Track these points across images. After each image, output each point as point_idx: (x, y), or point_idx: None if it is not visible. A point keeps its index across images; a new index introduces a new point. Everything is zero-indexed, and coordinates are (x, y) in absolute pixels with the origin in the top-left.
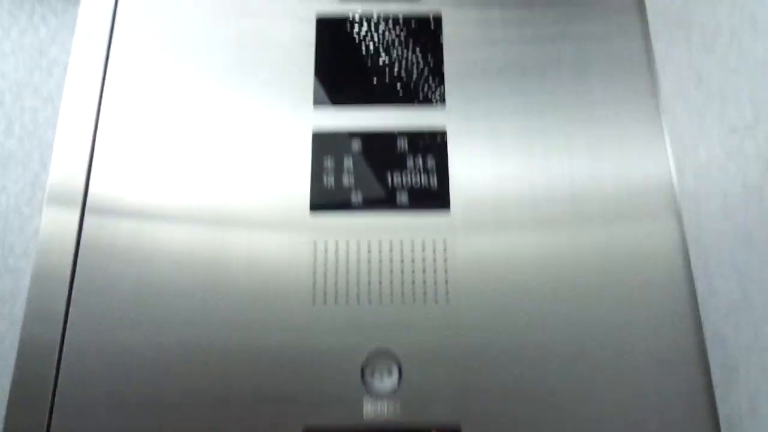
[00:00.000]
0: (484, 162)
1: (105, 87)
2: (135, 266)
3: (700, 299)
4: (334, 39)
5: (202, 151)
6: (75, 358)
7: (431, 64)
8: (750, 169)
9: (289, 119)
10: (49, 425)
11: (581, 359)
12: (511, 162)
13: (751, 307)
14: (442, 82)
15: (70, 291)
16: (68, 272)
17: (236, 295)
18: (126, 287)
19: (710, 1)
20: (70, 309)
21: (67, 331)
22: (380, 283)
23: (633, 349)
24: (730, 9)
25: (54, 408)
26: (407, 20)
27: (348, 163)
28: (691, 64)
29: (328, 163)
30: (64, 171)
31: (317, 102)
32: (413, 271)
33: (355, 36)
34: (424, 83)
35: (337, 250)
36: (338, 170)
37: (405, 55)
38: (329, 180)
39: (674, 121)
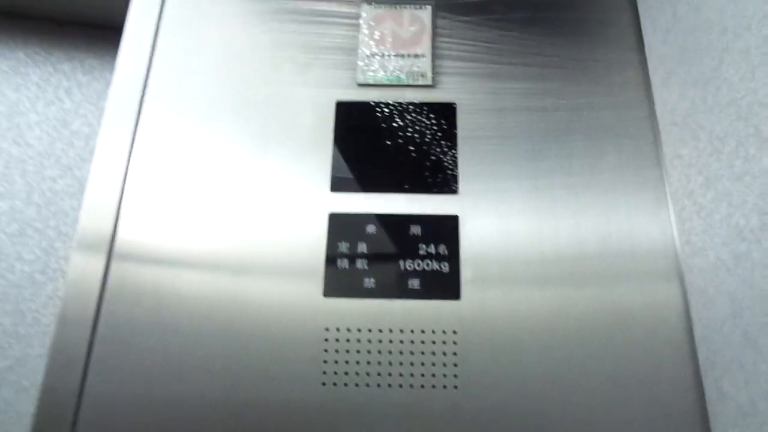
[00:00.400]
0: (494, 245)
1: (135, 144)
2: (156, 311)
3: (708, 396)
4: (351, 123)
5: (223, 209)
6: (93, 403)
7: (445, 152)
8: (756, 276)
9: (306, 199)
10: None
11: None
12: (520, 237)
13: (757, 412)
14: (455, 169)
15: (93, 334)
16: (92, 313)
17: (249, 353)
18: (146, 332)
19: (716, 109)
20: (92, 353)
21: (87, 375)
22: (390, 367)
23: (640, 420)
24: (735, 118)
25: None
26: (423, 108)
27: (362, 247)
28: (699, 165)
29: (343, 246)
30: (93, 219)
31: (334, 186)
32: (423, 355)
33: (372, 122)
34: (437, 170)
35: (348, 335)
36: (352, 255)
37: (420, 142)
38: (343, 264)
39: (682, 219)
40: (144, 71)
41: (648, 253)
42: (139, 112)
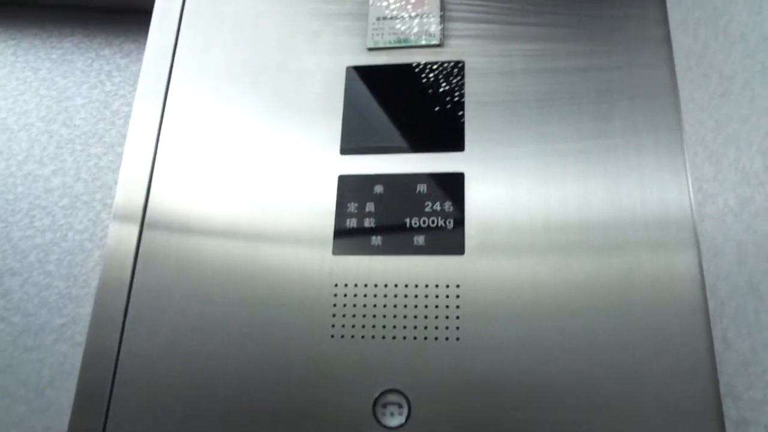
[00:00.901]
0: (500, 203)
1: (164, 119)
2: (182, 274)
3: (716, 347)
4: (361, 87)
5: (241, 176)
6: (130, 357)
7: (453, 110)
8: (759, 221)
9: (317, 162)
10: (104, 427)
11: (593, 396)
12: (526, 200)
13: (758, 360)
14: (462, 127)
15: (129, 296)
16: (128, 278)
17: (265, 311)
18: (174, 293)
19: (726, 47)
20: (128, 312)
21: (125, 332)
22: (395, 320)
23: (646, 385)
24: (743, 56)
25: (110, 411)
26: (431, 67)
27: (369, 207)
28: (710, 108)
29: (351, 207)
30: (128, 191)
31: (344, 148)
32: (426, 309)
33: (381, 85)
34: (444, 129)
35: (355, 290)
36: (360, 214)
37: (429, 102)
38: (351, 223)
39: (695, 166)
40: (170, 50)
41: (662, 219)
42: (167, 90)
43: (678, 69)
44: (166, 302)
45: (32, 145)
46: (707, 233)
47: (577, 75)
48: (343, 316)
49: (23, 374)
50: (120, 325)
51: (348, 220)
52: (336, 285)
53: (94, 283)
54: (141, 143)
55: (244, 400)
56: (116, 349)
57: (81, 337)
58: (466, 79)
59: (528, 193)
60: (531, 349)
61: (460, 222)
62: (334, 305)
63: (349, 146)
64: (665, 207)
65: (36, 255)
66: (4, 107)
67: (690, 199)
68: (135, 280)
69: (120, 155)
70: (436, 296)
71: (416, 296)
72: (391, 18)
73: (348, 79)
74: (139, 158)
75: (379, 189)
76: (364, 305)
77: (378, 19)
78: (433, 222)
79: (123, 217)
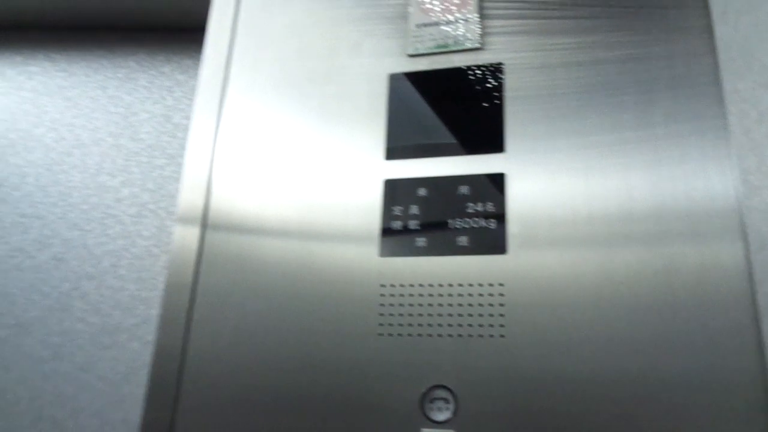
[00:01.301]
0: (541, 200)
1: (219, 128)
2: (242, 273)
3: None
4: (403, 93)
5: (292, 180)
6: (195, 354)
7: (493, 112)
8: None
9: (363, 167)
10: (172, 421)
11: (638, 391)
12: (567, 194)
13: None
14: (502, 128)
15: (193, 295)
16: (192, 278)
17: (316, 309)
18: (232, 292)
19: (766, 34)
20: (193, 312)
21: (190, 331)
22: (440, 318)
23: (692, 380)
24: None
25: (178, 403)
26: (471, 70)
27: (414, 209)
28: (753, 99)
29: (396, 209)
30: (190, 195)
31: (389, 152)
32: (471, 307)
33: (423, 90)
34: (485, 131)
35: (402, 290)
36: (405, 217)
37: (469, 105)
38: (396, 226)
39: (739, 157)
40: (224, 65)
41: (707, 210)
42: (222, 102)
43: (720, 59)
44: (228, 300)
45: (103, 159)
46: (754, 225)
47: (617, 66)
48: (390, 315)
49: (101, 370)
50: (186, 323)
51: (393, 223)
52: (383, 285)
53: (161, 286)
54: (200, 152)
55: (299, 394)
56: (183, 346)
57: (151, 336)
58: (506, 80)
59: (569, 187)
60: (576, 345)
61: (501, 222)
62: (381, 305)
63: (394, 151)
64: (710, 198)
65: (109, 260)
66: (78, 124)
67: (736, 189)
68: (199, 280)
69: (181, 165)
70: (480, 295)
71: (460, 295)
72: (430, 24)
73: (390, 86)
74: (199, 166)
75: (422, 192)
76: (410, 304)
77: (417, 26)
78: (475, 222)
79: (186, 220)
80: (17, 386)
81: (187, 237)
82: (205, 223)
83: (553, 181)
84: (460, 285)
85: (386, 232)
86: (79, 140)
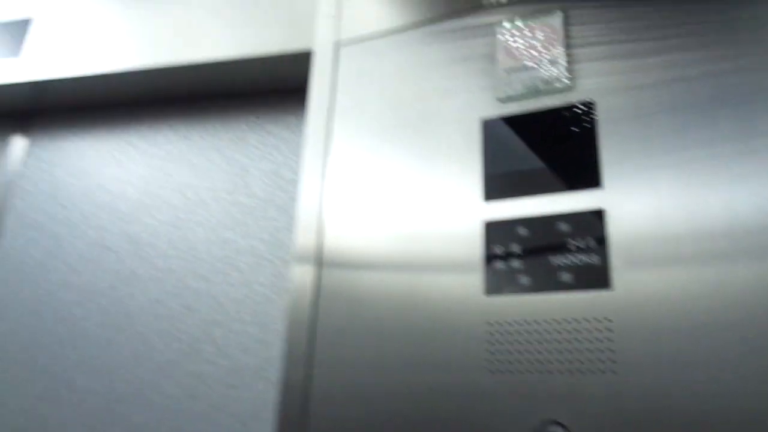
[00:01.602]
0: (643, 233)
1: (326, 175)
2: (356, 308)
3: None
4: (496, 136)
5: (397, 220)
6: (318, 388)
7: (587, 149)
8: None
9: (463, 209)
10: None
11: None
12: (670, 220)
13: None
14: (598, 163)
15: (313, 331)
16: (310, 314)
17: (426, 350)
18: (347, 327)
19: None
20: (315, 347)
21: (313, 367)
22: (549, 354)
23: None
24: None
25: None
26: (562, 111)
27: (515, 248)
28: None
29: (498, 249)
30: (304, 236)
31: (486, 194)
32: (580, 343)
33: (515, 132)
34: (580, 168)
35: (509, 327)
36: (507, 255)
37: (562, 144)
38: (499, 265)
39: None
40: (326, 121)
41: None
42: (326, 154)
43: None
44: (345, 336)
45: (222, 214)
46: None
47: (710, 80)
48: (499, 351)
49: (231, 408)
50: (308, 360)
51: (496, 262)
52: (489, 323)
53: (280, 329)
54: (310, 198)
55: (415, 428)
56: (306, 382)
57: (274, 376)
58: (598, 115)
59: (669, 211)
60: (691, 377)
61: (604, 256)
62: (490, 342)
63: (491, 192)
64: None
65: (233, 307)
66: (200, 184)
67: None
68: (317, 317)
69: (291, 217)
70: (588, 330)
71: (568, 331)
72: (518, 69)
73: (483, 130)
74: (310, 207)
75: (523, 231)
76: (518, 341)
77: (506, 71)
78: (577, 258)
79: (302, 260)
80: (159, 425)
81: (304, 275)
82: (319, 261)
83: (653, 209)
84: (567, 321)
85: (489, 270)
86: (201, 199)
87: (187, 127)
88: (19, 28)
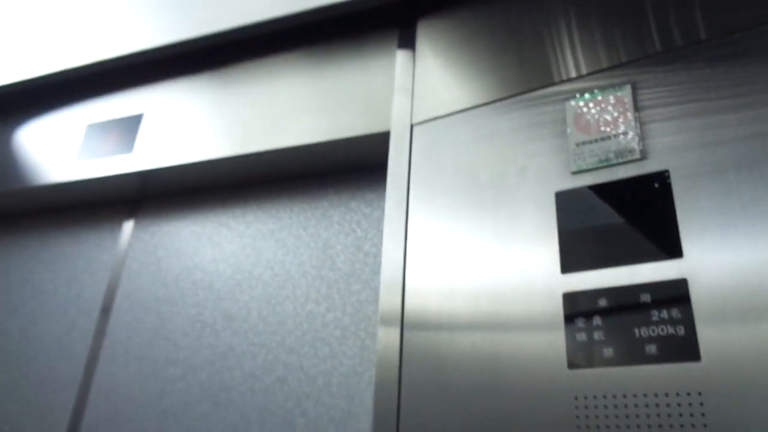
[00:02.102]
0: (729, 301)
1: (407, 246)
2: (440, 369)
3: None
4: (571, 209)
5: (476, 290)
6: None
7: (664, 218)
8: None
9: (541, 281)
10: None
11: None
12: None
13: None
14: (677, 232)
15: (399, 393)
16: (396, 376)
17: (512, 421)
18: (433, 390)
19: None
20: (401, 409)
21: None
22: (639, 429)
23: None
24: None
25: None
26: (636, 182)
27: (597, 320)
28: None
29: (579, 322)
30: (388, 301)
31: (564, 266)
32: (669, 417)
33: (590, 204)
34: (659, 238)
35: (595, 402)
36: (589, 328)
37: (639, 214)
38: (581, 337)
39: None
40: (404, 196)
41: None
42: (406, 225)
43: None
44: (431, 399)
45: (309, 289)
46: None
47: None
48: (587, 427)
49: None
50: (395, 421)
51: (578, 335)
52: (576, 398)
53: (368, 402)
54: (392, 270)
55: None
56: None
57: None
58: (673, 184)
59: (757, 275)
60: None
61: (690, 327)
62: (577, 417)
63: (569, 264)
64: None
65: (322, 380)
66: (287, 261)
67: None
68: (402, 379)
69: (374, 289)
70: (678, 404)
71: (657, 405)
72: (590, 141)
73: (558, 203)
74: (393, 275)
75: (603, 302)
76: (606, 416)
77: (577, 144)
78: (662, 330)
79: (386, 322)
80: None
81: (389, 337)
82: (403, 324)
83: (736, 272)
84: (656, 395)
85: (571, 342)
86: (289, 275)
87: (275, 206)
88: (133, 123)
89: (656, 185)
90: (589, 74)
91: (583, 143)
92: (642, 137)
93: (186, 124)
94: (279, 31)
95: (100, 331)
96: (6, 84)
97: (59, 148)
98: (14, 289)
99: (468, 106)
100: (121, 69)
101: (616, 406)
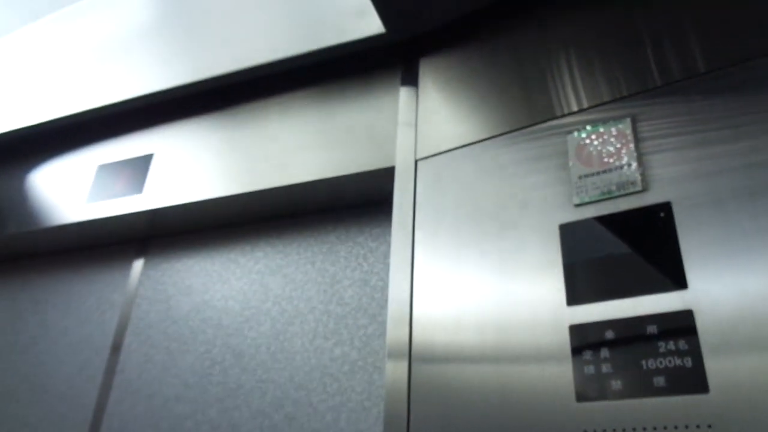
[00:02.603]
0: (737, 328)
1: (414, 281)
2: (448, 401)
3: None
4: (575, 241)
5: (481, 321)
6: None
7: (668, 249)
8: None
9: (547, 313)
10: None
11: None
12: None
13: None
14: (681, 264)
15: (408, 423)
16: (405, 406)
17: None
18: (440, 420)
19: None
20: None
21: None
22: None
23: None
24: None
25: None
26: (639, 213)
27: (604, 353)
28: None
29: (586, 354)
30: (395, 334)
31: (570, 298)
32: None
33: (594, 236)
34: (664, 270)
35: None
36: (596, 360)
37: (643, 246)
38: (589, 370)
39: None
40: (410, 231)
41: None
42: (412, 258)
43: None
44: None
45: (317, 324)
46: None
47: None
48: None
49: None
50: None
51: (586, 367)
52: (585, 431)
53: None
54: (399, 304)
55: None
56: None
57: None
58: (676, 215)
59: (761, 299)
60: None
61: (698, 359)
62: None
63: (575, 296)
64: None
65: (330, 415)
66: (295, 296)
67: None
68: (411, 413)
69: (380, 323)
70: None
71: None
72: (592, 174)
73: (562, 235)
74: (400, 309)
75: (610, 334)
76: None
77: (580, 177)
78: (669, 362)
79: (395, 356)
80: None
81: (398, 371)
82: (411, 357)
83: (741, 301)
84: (665, 428)
85: (579, 374)
86: (298, 310)
87: (283, 242)
88: (143, 163)
89: (659, 216)
90: (590, 108)
91: (586, 176)
92: (643, 169)
93: (193, 162)
94: (285, 72)
95: (110, 370)
96: (19, 128)
97: (70, 189)
98: (25, 329)
99: (471, 140)
100: (130, 111)
101: None
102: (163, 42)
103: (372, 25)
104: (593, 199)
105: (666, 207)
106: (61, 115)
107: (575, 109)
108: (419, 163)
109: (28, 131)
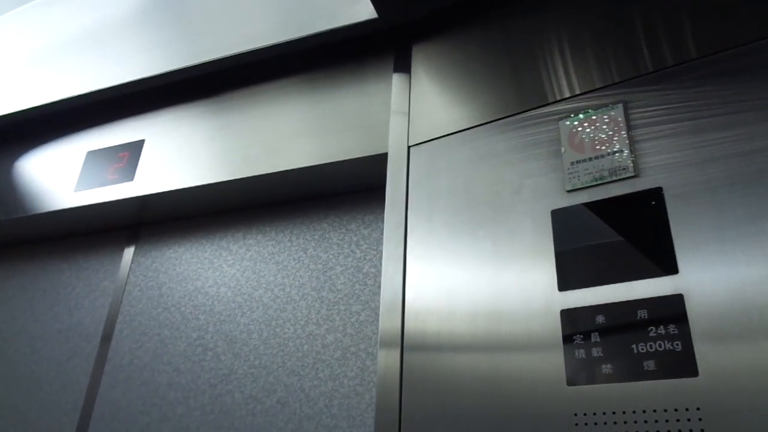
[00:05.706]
0: (727, 316)
1: (407, 268)
2: (441, 389)
3: None
4: (567, 227)
5: (474, 308)
6: None
7: (659, 234)
8: None
9: (538, 299)
10: None
11: None
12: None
13: None
14: (672, 249)
15: (400, 414)
16: (397, 398)
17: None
18: (432, 407)
19: None
20: (402, 426)
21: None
22: None
23: None
24: None
25: None
26: (631, 199)
27: (595, 337)
28: None
29: (577, 338)
30: (388, 322)
31: (561, 284)
32: None
33: (586, 222)
34: (654, 254)
35: (594, 418)
36: (587, 344)
37: (634, 231)
38: (580, 354)
39: None
40: (403, 215)
41: None
42: (405, 245)
43: None
44: (433, 423)
45: (309, 311)
46: None
47: None
48: None
49: None
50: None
51: (577, 352)
52: (575, 414)
53: (368, 422)
54: (392, 291)
55: None
56: None
57: None
58: (667, 200)
59: (751, 284)
60: None
61: (688, 343)
62: None
63: (566, 281)
64: None
65: (323, 401)
66: (288, 283)
67: None
68: (403, 401)
69: (373, 309)
70: (678, 420)
71: (657, 421)
72: (584, 160)
73: (554, 221)
74: (392, 297)
75: (600, 319)
76: None
77: (572, 163)
78: (660, 346)
79: (387, 344)
80: None
81: (390, 357)
82: (403, 344)
83: (732, 285)
84: (655, 411)
85: (570, 358)
86: (290, 297)
87: (275, 229)
88: (135, 148)
89: (650, 202)
90: (582, 94)
91: (578, 162)
92: (635, 155)
93: (185, 148)
94: (277, 57)
95: (102, 357)
96: (6, 113)
97: (60, 176)
98: (16, 317)
99: (463, 127)
100: (121, 97)
101: (615, 423)
102: (154, 27)
103: (364, 10)
104: (585, 184)
105: (658, 193)
106: (49, 101)
107: (567, 95)
108: (412, 150)
109: (15, 117)
